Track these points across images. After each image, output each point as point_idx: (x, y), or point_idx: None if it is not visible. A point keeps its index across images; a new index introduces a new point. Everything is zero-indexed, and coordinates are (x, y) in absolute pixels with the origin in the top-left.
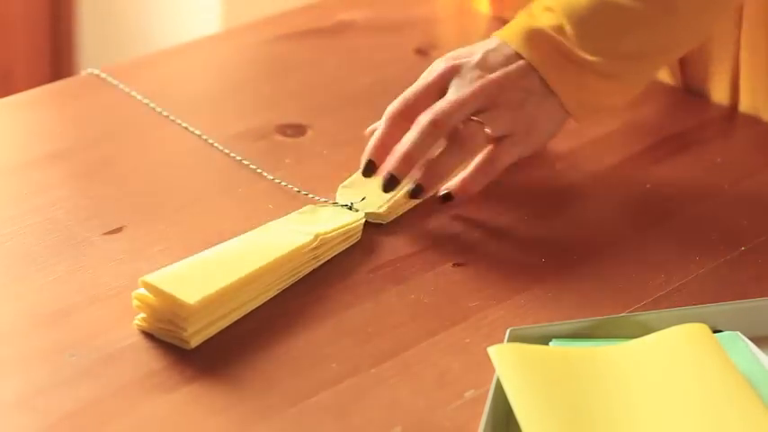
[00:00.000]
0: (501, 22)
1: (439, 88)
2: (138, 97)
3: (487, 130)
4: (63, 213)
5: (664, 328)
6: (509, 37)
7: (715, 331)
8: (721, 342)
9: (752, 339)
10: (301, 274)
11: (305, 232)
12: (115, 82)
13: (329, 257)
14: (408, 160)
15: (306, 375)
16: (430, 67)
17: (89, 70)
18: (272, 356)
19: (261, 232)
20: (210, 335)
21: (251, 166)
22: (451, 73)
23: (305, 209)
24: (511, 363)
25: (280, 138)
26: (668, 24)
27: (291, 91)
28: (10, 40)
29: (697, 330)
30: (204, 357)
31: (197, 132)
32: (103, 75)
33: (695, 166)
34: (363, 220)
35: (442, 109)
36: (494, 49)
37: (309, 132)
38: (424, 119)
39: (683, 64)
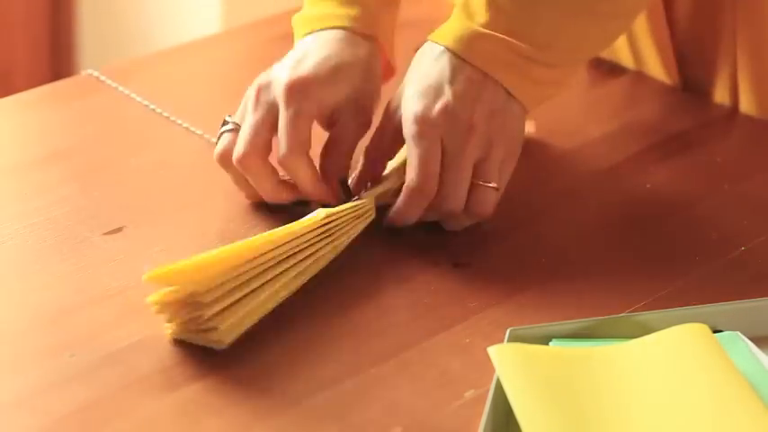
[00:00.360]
0: None
1: (438, 149)
2: (138, 99)
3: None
4: (63, 213)
5: (664, 328)
6: (458, 50)
7: (715, 331)
8: (721, 342)
9: (752, 339)
10: (318, 257)
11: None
12: (114, 84)
13: (346, 240)
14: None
15: (306, 375)
16: (412, 134)
17: (88, 71)
18: (272, 356)
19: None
20: (240, 326)
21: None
22: (439, 129)
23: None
24: (511, 363)
25: None
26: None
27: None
28: (10, 40)
29: (697, 330)
30: (204, 358)
31: (197, 132)
32: (102, 77)
33: (695, 166)
34: (371, 199)
35: (447, 194)
36: (453, 78)
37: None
38: (418, 185)
39: (682, 65)
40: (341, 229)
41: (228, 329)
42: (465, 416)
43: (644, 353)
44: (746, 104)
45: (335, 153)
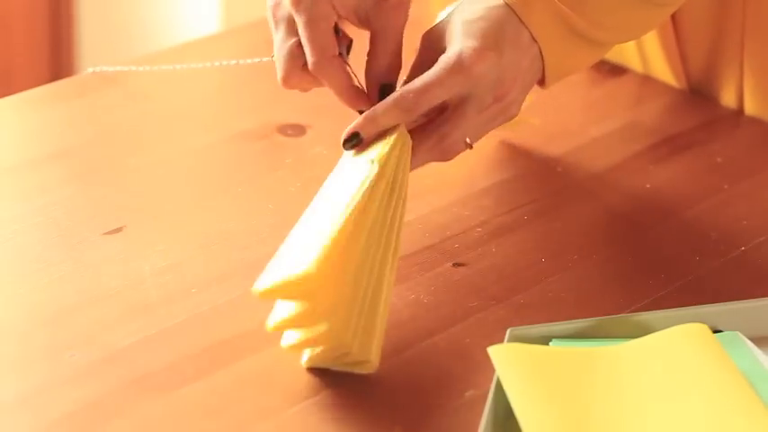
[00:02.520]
0: None
1: (463, 86)
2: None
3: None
4: (63, 213)
5: (664, 328)
6: (516, 5)
7: (715, 331)
8: (721, 342)
9: (752, 339)
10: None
11: (360, 166)
12: (120, 79)
13: (406, 181)
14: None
15: (306, 375)
16: (458, 52)
17: (90, 69)
18: (272, 356)
19: (322, 198)
20: (381, 340)
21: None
22: (484, 78)
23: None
24: (511, 363)
25: (280, 138)
26: None
27: (291, 91)
28: (10, 39)
29: (697, 330)
30: (204, 357)
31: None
32: (106, 70)
33: (695, 166)
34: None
35: (451, 140)
36: (510, 40)
37: (309, 132)
38: (426, 145)
39: (688, 68)
40: (402, 171)
41: (377, 353)
42: (465, 416)
43: (644, 353)
44: (752, 107)
45: (372, 53)
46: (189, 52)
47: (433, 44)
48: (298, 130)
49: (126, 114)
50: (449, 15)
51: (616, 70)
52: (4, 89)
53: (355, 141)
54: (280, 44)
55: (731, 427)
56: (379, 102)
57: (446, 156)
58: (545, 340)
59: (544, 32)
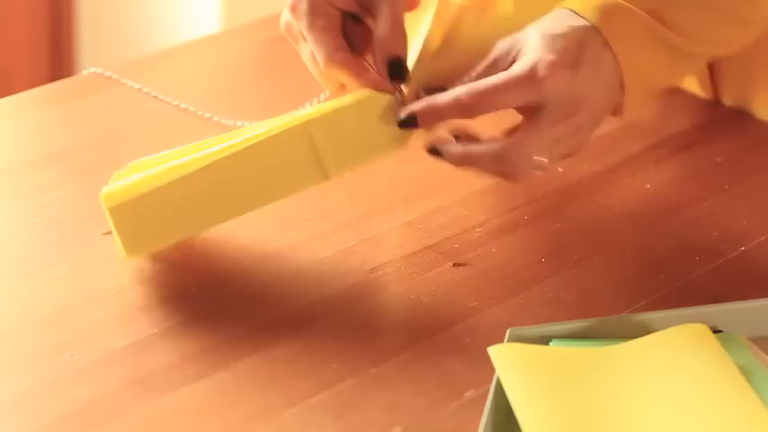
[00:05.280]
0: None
1: (532, 97)
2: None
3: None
4: (63, 213)
5: (664, 328)
6: (593, 17)
7: (715, 331)
8: (721, 342)
9: (752, 339)
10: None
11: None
12: (120, 79)
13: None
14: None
15: (306, 375)
16: (533, 64)
17: (91, 69)
18: (272, 356)
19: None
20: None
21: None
22: (557, 91)
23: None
24: (511, 363)
25: None
26: (738, 8)
27: (291, 91)
28: (10, 39)
29: (697, 330)
30: (204, 357)
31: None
32: (107, 72)
33: (695, 166)
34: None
35: (516, 157)
36: (590, 55)
37: None
38: (493, 152)
39: (716, 78)
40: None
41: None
42: (465, 416)
43: (644, 353)
44: (760, 110)
45: (375, 33)
46: (189, 52)
47: (503, 54)
48: None
49: (126, 114)
50: (526, 29)
51: None
52: (4, 89)
53: (411, 123)
54: (304, 56)
55: (731, 427)
56: (390, 79)
57: (509, 167)
58: (545, 340)
59: (628, 53)
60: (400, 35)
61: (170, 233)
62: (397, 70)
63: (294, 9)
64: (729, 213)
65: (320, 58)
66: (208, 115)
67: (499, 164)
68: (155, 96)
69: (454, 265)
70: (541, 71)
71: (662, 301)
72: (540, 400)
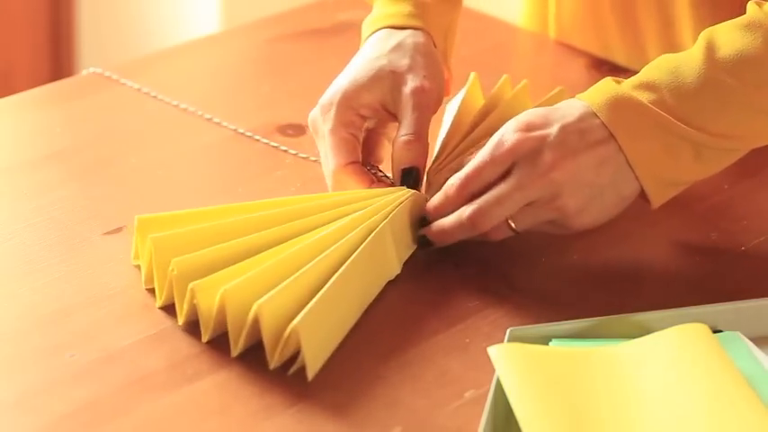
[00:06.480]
0: (501, 24)
1: (505, 164)
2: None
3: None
4: (63, 213)
5: (664, 328)
6: (596, 105)
7: (715, 331)
8: (721, 342)
9: (752, 339)
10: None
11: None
12: (120, 79)
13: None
14: (441, 234)
15: (306, 375)
16: (500, 136)
17: (90, 69)
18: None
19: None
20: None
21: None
22: (522, 148)
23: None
24: (511, 363)
25: (280, 138)
26: (760, 100)
27: (291, 91)
28: (10, 39)
29: (697, 330)
30: (204, 357)
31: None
32: (107, 73)
33: None
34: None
35: (489, 209)
36: (573, 123)
37: (309, 132)
38: (466, 212)
39: None
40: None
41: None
42: (465, 416)
43: (644, 353)
44: None
45: (395, 139)
46: (189, 52)
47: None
48: (298, 130)
49: (126, 114)
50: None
51: (616, 70)
52: (4, 89)
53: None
54: (321, 152)
55: (731, 427)
56: (402, 185)
57: (479, 226)
58: (545, 340)
59: (632, 144)
60: (421, 144)
61: (328, 346)
62: (410, 179)
63: (324, 110)
64: (729, 213)
65: (332, 164)
66: (208, 115)
67: (470, 227)
68: (155, 96)
69: (454, 265)
70: (506, 136)
71: (662, 301)
72: (539, 400)
